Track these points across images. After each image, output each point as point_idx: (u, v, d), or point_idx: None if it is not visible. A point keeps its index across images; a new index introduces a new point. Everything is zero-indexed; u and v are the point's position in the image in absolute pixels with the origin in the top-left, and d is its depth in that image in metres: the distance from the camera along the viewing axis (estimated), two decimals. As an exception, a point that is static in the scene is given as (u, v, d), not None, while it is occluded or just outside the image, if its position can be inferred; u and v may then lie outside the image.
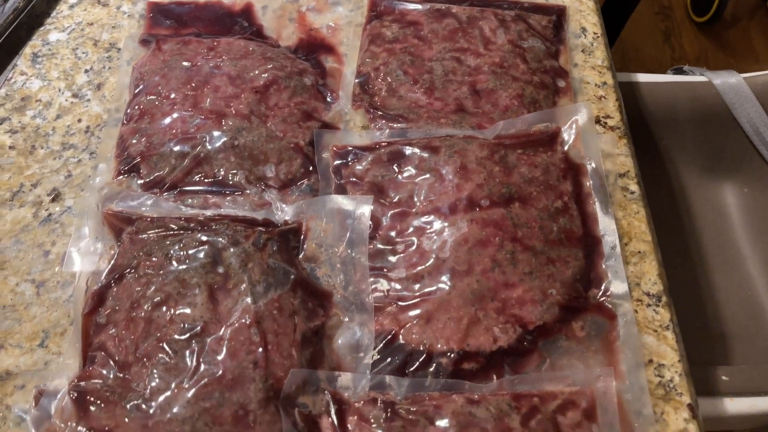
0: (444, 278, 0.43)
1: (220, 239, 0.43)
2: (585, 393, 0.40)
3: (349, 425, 0.40)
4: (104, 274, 0.44)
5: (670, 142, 0.76)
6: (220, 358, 0.39)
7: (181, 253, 0.43)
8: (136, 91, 0.54)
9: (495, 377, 0.41)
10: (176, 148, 0.50)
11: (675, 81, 0.72)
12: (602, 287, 0.44)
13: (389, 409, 0.40)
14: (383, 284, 0.44)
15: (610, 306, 0.43)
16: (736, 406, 0.54)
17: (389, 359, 0.42)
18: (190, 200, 0.49)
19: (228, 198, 0.48)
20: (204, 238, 0.43)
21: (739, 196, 0.75)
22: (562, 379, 0.41)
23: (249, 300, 0.41)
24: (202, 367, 0.39)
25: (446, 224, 0.45)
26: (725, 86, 0.71)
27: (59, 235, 0.50)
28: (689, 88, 0.72)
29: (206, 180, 0.49)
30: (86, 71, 0.58)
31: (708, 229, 0.76)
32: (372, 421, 0.40)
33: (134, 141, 0.51)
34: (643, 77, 0.72)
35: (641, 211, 0.51)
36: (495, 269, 0.43)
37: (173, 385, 0.38)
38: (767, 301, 0.70)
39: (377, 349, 0.43)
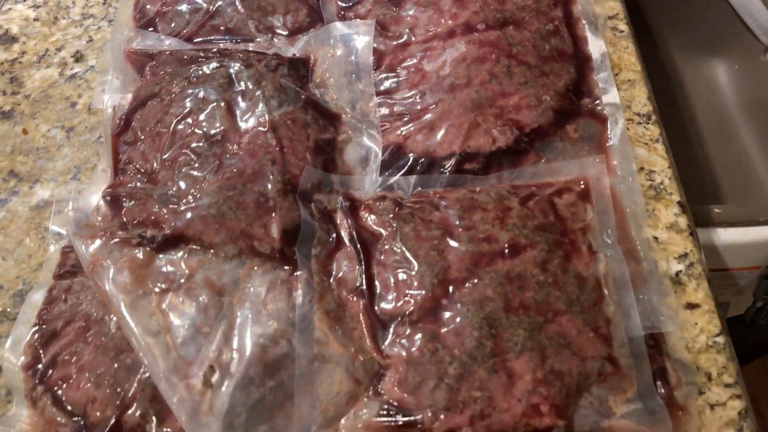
0: (445, 92, 0.46)
1: (235, 63, 0.46)
2: (579, 180, 0.43)
3: (361, 217, 0.43)
4: (129, 102, 0.47)
5: (662, 24, 0.78)
6: (240, 157, 0.43)
7: (200, 74, 0.46)
8: (148, -37, 0.57)
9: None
10: (189, 5, 0.53)
11: (663, -39, 0.75)
12: (593, 96, 0.47)
13: (397, 203, 0.43)
14: (388, 105, 0.48)
15: (601, 111, 0.46)
16: (728, 235, 0.56)
17: (396, 167, 0.45)
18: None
19: (239, 45, 0.52)
20: (220, 63, 0.46)
21: (730, 72, 0.78)
22: (557, 172, 0.44)
23: (264, 111, 0.44)
24: (224, 164, 0.42)
25: (445, 47, 0.48)
26: (712, -38, 0.73)
27: (84, 89, 0.53)
28: (677, -33, 0.75)
29: (219, 29, 0.52)
30: (101, -46, 0.62)
31: (702, 107, 0.78)
32: (382, 212, 0.43)
33: (149, 4, 0.55)
34: (632, -42, 0.74)
35: (630, 46, 0.54)
36: (492, 81, 0.46)
37: (198, 179, 0.42)
38: (760, 166, 0.73)
39: (385, 161, 0.46)
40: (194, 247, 0.40)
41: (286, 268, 0.40)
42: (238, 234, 0.40)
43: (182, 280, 0.39)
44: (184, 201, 0.41)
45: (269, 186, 0.42)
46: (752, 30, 0.76)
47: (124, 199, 0.42)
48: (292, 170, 0.43)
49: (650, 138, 0.49)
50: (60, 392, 0.37)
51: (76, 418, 0.36)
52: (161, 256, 0.40)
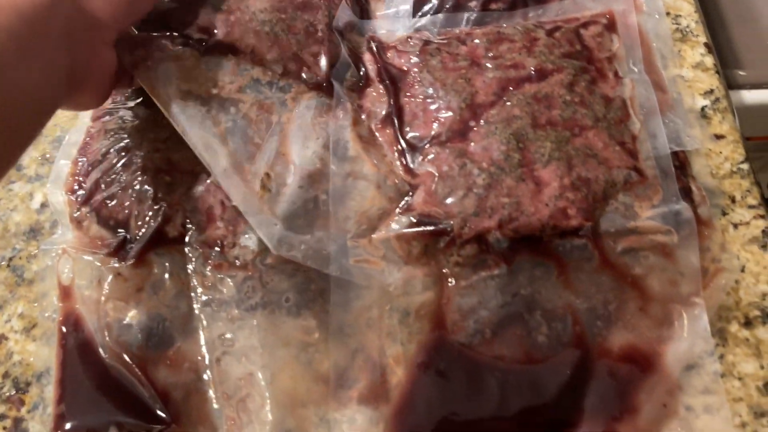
0: (469, -65, 0.46)
1: None
2: (604, 14, 0.43)
3: (388, 56, 0.44)
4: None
5: None
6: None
7: None
8: None
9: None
10: None
11: None
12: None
13: (425, 41, 0.44)
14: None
15: (627, -50, 0.46)
16: (753, 96, 0.56)
17: (423, 12, 0.46)
18: None
19: None
20: None
21: (757, -45, 0.76)
22: (583, 8, 0.44)
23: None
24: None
25: None
26: None
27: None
28: None
29: None
30: None
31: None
32: (409, 49, 0.43)
33: None
34: None
35: None
36: None
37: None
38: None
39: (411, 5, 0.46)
40: (244, 60, 0.40)
41: (330, 99, 0.41)
42: (290, 56, 0.41)
43: (231, 90, 0.39)
44: (235, 11, 0.40)
45: (318, 17, 0.42)
46: None
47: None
48: (335, 10, 0.43)
49: (676, -15, 0.49)
50: (103, 211, 0.39)
51: (120, 231, 0.38)
52: (209, 58, 0.39)
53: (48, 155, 0.46)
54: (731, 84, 0.57)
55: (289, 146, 0.38)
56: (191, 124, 0.37)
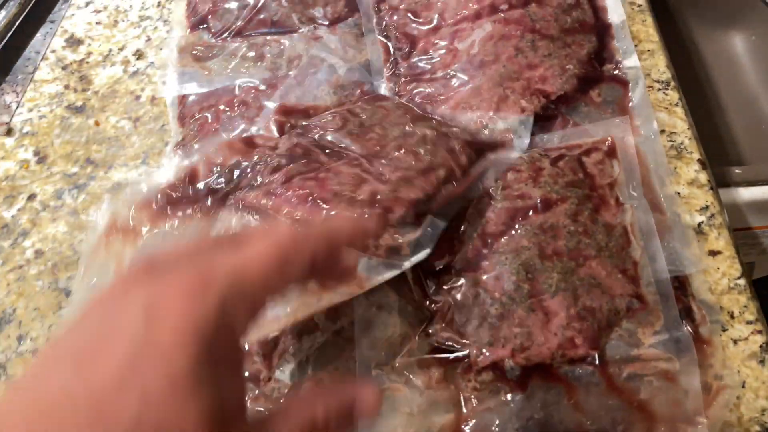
0: (475, 69, 0.50)
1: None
2: (605, 140, 0.47)
3: (404, 183, 0.47)
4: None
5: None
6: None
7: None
8: (197, -33, 0.63)
9: (525, 141, 0.48)
10: (238, 2, 0.58)
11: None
12: (614, 62, 0.51)
13: (437, 169, 0.47)
14: (425, 87, 0.52)
15: (622, 75, 0.50)
16: (750, 193, 0.59)
17: (434, 138, 0.50)
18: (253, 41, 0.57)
19: (285, 36, 0.57)
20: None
21: (747, 43, 0.80)
22: (584, 134, 0.48)
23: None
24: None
25: (473, 28, 0.52)
26: (727, -64, 0.76)
27: (146, 83, 0.59)
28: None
29: (265, 24, 0.57)
30: (152, -39, 0.68)
31: (722, 78, 0.81)
32: (424, 178, 0.47)
33: (201, 4, 0.60)
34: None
35: (648, 19, 0.58)
36: (518, 55, 0.50)
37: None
38: (781, 132, 0.75)
39: (423, 132, 0.50)
40: None
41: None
42: None
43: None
44: None
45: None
46: (766, 2, 0.78)
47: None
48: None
49: (670, 102, 0.53)
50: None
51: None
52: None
53: (94, 279, 0.49)
54: (728, 182, 0.60)
55: None
56: None
